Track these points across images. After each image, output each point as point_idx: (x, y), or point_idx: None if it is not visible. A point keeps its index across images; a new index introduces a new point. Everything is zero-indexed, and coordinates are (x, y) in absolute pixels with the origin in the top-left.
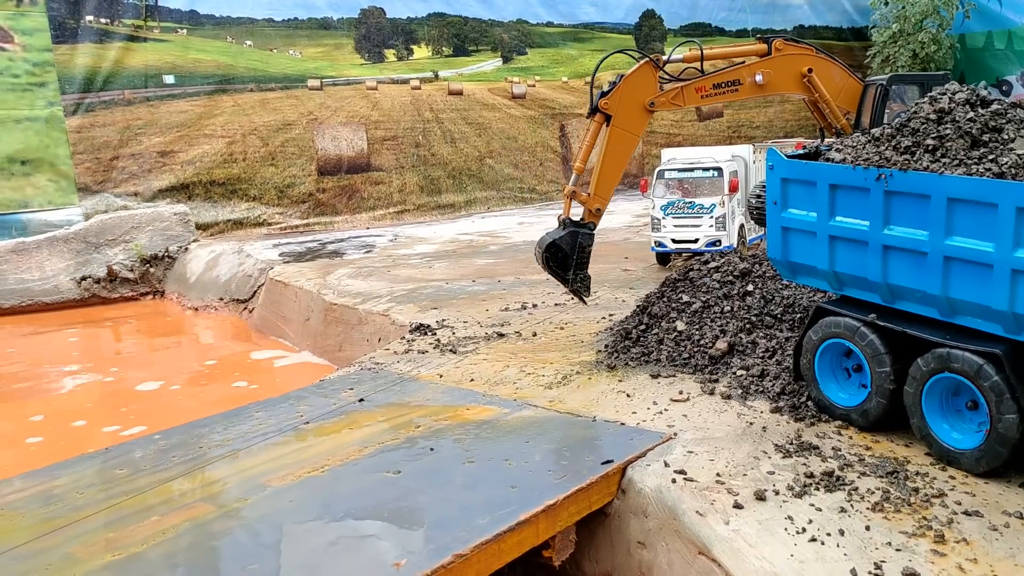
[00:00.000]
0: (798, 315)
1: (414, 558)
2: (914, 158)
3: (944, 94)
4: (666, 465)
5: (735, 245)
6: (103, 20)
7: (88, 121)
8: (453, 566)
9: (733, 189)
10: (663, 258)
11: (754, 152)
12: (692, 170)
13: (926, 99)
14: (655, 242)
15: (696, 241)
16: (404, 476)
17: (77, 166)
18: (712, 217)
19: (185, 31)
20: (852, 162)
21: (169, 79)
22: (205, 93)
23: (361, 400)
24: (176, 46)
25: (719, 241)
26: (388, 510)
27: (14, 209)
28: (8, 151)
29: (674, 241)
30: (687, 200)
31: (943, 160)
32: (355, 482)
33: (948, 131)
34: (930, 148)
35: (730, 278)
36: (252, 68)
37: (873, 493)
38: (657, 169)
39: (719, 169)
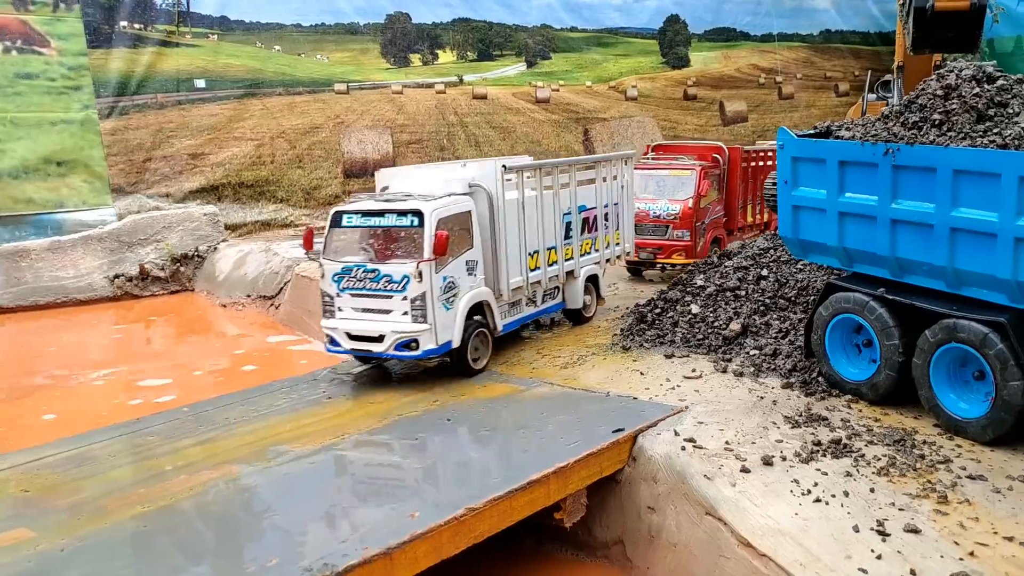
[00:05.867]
0: (811, 297)
1: (428, 509)
2: (921, 132)
3: (951, 71)
4: (676, 434)
5: (455, 343)
6: (137, 25)
7: (122, 124)
8: (466, 519)
9: (440, 250)
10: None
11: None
12: (382, 214)
13: (933, 76)
14: (327, 337)
15: (380, 340)
16: (422, 442)
17: (111, 168)
18: (405, 297)
19: (216, 36)
20: (861, 139)
21: (200, 83)
22: (235, 97)
23: (381, 377)
24: (207, 51)
25: (415, 342)
26: (406, 470)
27: (50, 209)
28: (44, 153)
29: (351, 337)
30: (371, 267)
31: (949, 134)
32: (375, 447)
33: (954, 106)
34: (937, 123)
35: (744, 263)
36: (280, 72)
37: (879, 459)
38: (333, 211)
39: (419, 214)
